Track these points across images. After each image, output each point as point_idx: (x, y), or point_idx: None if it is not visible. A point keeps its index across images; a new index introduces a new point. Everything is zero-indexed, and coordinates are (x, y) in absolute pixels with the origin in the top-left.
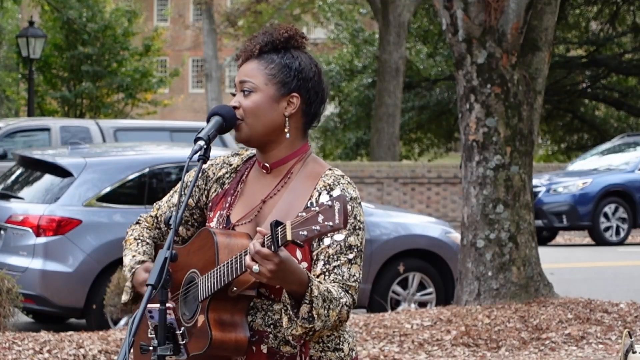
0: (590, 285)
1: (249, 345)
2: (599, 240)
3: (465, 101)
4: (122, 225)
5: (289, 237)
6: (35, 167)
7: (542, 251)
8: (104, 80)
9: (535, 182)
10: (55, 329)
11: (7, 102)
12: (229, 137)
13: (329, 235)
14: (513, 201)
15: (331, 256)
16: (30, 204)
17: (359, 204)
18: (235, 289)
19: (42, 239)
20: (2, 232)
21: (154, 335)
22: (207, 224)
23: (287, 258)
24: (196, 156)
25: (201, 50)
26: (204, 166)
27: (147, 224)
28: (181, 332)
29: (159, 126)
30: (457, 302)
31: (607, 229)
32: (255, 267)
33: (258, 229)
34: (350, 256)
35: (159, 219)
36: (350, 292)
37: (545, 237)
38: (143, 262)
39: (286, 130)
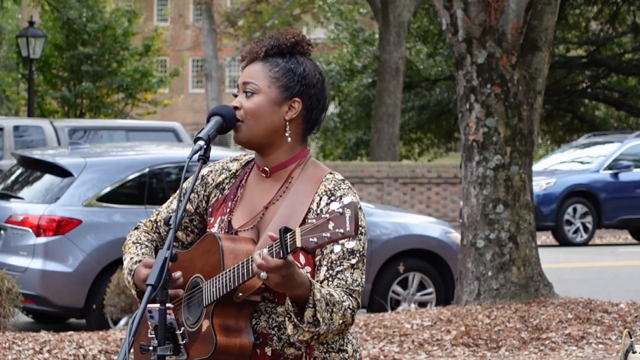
0: (590, 285)
1: (253, 348)
2: (563, 240)
3: (465, 101)
4: (122, 225)
5: (298, 244)
6: (35, 167)
7: (542, 251)
8: (104, 80)
9: None
10: (55, 329)
11: (7, 102)
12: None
13: (339, 242)
14: (513, 201)
15: (334, 262)
16: (30, 204)
17: (360, 208)
18: (240, 294)
19: (42, 239)
20: (2, 232)
21: (154, 335)
22: (208, 229)
23: (293, 263)
24: (196, 156)
25: (201, 50)
26: (203, 172)
27: (146, 229)
28: (181, 332)
29: (114, 126)
30: (457, 302)
31: (572, 229)
32: (264, 274)
33: (269, 233)
34: (353, 261)
35: (159, 223)
36: (353, 296)
37: None
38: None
39: (287, 134)
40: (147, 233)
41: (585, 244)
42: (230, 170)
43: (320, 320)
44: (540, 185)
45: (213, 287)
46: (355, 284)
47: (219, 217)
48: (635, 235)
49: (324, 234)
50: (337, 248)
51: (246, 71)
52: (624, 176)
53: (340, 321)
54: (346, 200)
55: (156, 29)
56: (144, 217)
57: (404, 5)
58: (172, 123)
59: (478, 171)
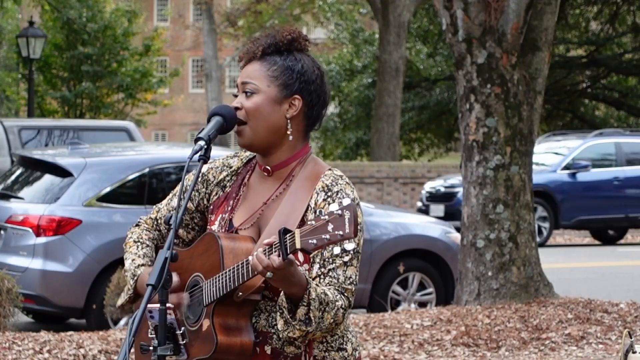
0: (590, 285)
1: (253, 346)
2: None
3: (465, 101)
4: (122, 225)
5: (297, 246)
6: (35, 167)
7: (541, 251)
8: (104, 80)
9: (454, 182)
10: (55, 329)
11: (7, 102)
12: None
13: (339, 244)
14: (513, 201)
15: (327, 259)
16: (30, 204)
17: (358, 204)
18: (240, 293)
19: (42, 239)
20: (2, 232)
21: (154, 335)
22: (208, 226)
23: (294, 262)
24: (196, 156)
25: (201, 50)
26: (204, 170)
27: (147, 226)
28: (181, 332)
29: (65, 125)
30: (457, 302)
31: None
32: (269, 274)
33: (266, 241)
34: (346, 258)
35: (159, 221)
36: (346, 294)
37: None
38: (143, 265)
39: (289, 132)
40: (148, 231)
41: (542, 245)
42: (231, 167)
43: (312, 319)
44: None
45: (213, 287)
46: (348, 282)
47: (220, 215)
48: (596, 236)
49: (323, 236)
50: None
51: (245, 71)
52: (582, 176)
53: (331, 320)
54: (345, 201)
55: (156, 29)
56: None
57: (404, 5)
58: (125, 122)
59: (478, 171)
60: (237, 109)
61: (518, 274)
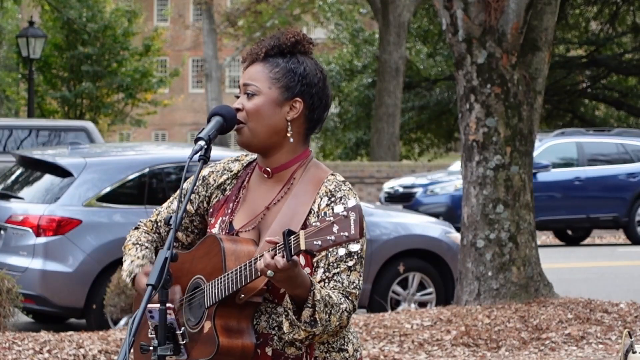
0: (590, 285)
1: (254, 348)
2: None
3: (465, 101)
4: (122, 225)
5: (302, 247)
6: (35, 167)
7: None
8: (104, 80)
9: (414, 182)
10: (55, 329)
11: (7, 102)
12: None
13: (344, 245)
14: (513, 201)
15: (331, 263)
16: (30, 204)
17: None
18: (242, 295)
19: (42, 239)
20: (2, 232)
21: (154, 335)
22: (208, 229)
23: (298, 263)
24: (196, 156)
25: (201, 50)
26: (204, 173)
27: (147, 229)
28: (181, 332)
29: (22, 125)
30: (457, 302)
31: None
32: (270, 272)
33: (268, 238)
34: (350, 263)
35: (159, 224)
36: (350, 298)
37: None
38: (141, 266)
39: (289, 135)
40: (148, 234)
41: None
42: (231, 171)
43: (318, 320)
44: (454, 185)
45: (215, 289)
46: (352, 286)
47: (220, 218)
48: (558, 237)
49: (328, 237)
50: (335, 250)
51: (247, 72)
52: (542, 176)
53: (337, 323)
54: (350, 203)
55: (156, 29)
56: (144, 217)
57: (404, 5)
58: (84, 122)
59: (478, 171)
60: (238, 110)
61: (518, 274)
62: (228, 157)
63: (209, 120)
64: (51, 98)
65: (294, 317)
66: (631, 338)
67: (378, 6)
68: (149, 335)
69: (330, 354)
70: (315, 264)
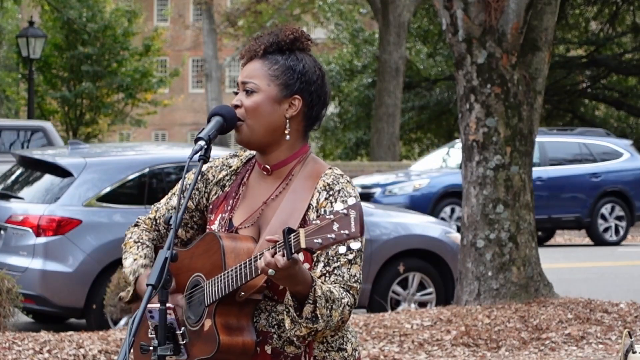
0: (590, 285)
1: (254, 346)
2: None
3: (465, 101)
4: (122, 225)
5: (302, 245)
6: (35, 167)
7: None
8: (104, 80)
9: (373, 181)
10: (55, 329)
11: (7, 102)
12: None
13: (344, 243)
14: (513, 201)
15: (331, 257)
16: (30, 204)
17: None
18: (243, 293)
19: (42, 239)
20: (2, 232)
21: (154, 335)
22: (208, 226)
23: (299, 261)
24: (196, 156)
25: (201, 50)
26: (203, 169)
27: (146, 226)
28: (181, 332)
29: None
30: (457, 302)
31: None
32: (271, 271)
33: (267, 237)
34: (350, 257)
35: (158, 221)
36: (351, 292)
37: None
38: (145, 265)
39: (287, 132)
40: (148, 232)
41: None
42: (230, 167)
43: (319, 316)
44: (412, 185)
45: (215, 287)
46: (353, 280)
47: (220, 215)
48: None
49: (328, 235)
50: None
51: (245, 69)
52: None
53: (339, 318)
54: (350, 200)
55: (156, 29)
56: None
57: (404, 5)
58: (42, 122)
59: (478, 171)
60: (236, 106)
61: (518, 274)
62: (227, 153)
63: (209, 120)
64: (51, 98)
65: (295, 314)
66: (631, 338)
67: (378, 6)
68: (149, 335)
69: (329, 353)
70: (315, 259)
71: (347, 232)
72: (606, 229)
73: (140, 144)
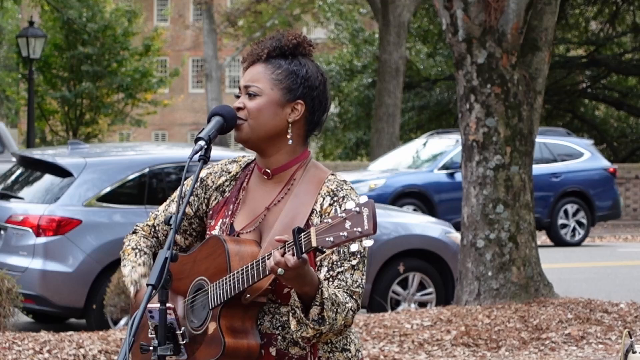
0: (590, 285)
1: (259, 348)
2: None
3: (465, 101)
4: (122, 225)
5: (314, 244)
6: (35, 167)
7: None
8: (104, 80)
9: None
10: (55, 329)
11: (7, 102)
12: None
13: (357, 241)
14: (513, 201)
15: (335, 262)
16: (30, 204)
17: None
18: (248, 295)
19: (42, 239)
20: (2, 232)
21: (154, 335)
22: (208, 231)
23: (307, 261)
24: (196, 156)
25: (201, 50)
26: (202, 175)
27: (144, 233)
28: (181, 332)
29: None
30: (457, 302)
31: None
32: (280, 270)
33: (277, 237)
34: (354, 262)
35: (156, 228)
36: (354, 297)
37: None
38: (144, 275)
39: (289, 136)
40: (146, 238)
41: None
42: (229, 172)
43: (326, 318)
44: (367, 185)
45: (220, 289)
46: (356, 285)
47: (221, 220)
48: None
49: (340, 233)
50: (342, 250)
51: (248, 73)
52: (461, 176)
53: (342, 322)
54: (363, 198)
55: (156, 29)
56: (144, 217)
57: (404, 5)
58: None
59: (478, 171)
60: (239, 108)
61: (518, 274)
62: (227, 157)
63: (209, 120)
64: (51, 98)
65: (301, 315)
66: (631, 338)
67: (378, 6)
68: (149, 335)
69: (334, 354)
70: (318, 263)
71: (359, 229)
72: (566, 229)
73: (140, 144)
